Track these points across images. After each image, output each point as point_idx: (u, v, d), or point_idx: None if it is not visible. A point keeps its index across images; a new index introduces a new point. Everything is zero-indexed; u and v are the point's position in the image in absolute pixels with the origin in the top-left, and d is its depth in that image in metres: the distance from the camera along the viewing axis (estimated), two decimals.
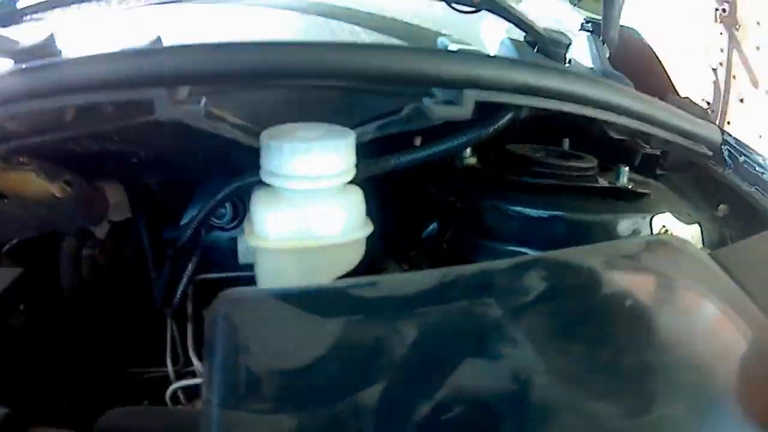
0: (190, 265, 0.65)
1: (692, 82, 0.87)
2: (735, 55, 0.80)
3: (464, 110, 0.48)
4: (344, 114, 0.59)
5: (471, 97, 0.47)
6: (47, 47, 0.64)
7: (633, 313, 0.36)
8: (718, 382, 0.30)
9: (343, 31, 0.64)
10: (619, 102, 0.58)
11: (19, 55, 0.63)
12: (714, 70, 0.83)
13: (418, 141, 0.68)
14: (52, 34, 0.65)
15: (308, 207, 0.51)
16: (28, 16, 0.76)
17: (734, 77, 0.83)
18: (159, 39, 0.64)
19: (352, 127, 0.57)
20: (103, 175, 0.74)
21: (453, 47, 0.69)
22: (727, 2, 0.84)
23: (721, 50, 0.81)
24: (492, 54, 0.67)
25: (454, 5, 0.61)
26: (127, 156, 0.66)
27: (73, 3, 0.71)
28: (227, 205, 0.77)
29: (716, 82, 0.83)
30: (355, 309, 0.32)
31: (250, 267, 0.64)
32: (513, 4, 0.68)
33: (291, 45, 0.47)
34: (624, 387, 0.30)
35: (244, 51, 0.42)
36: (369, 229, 0.54)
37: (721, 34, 0.78)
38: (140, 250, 0.83)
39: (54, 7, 0.71)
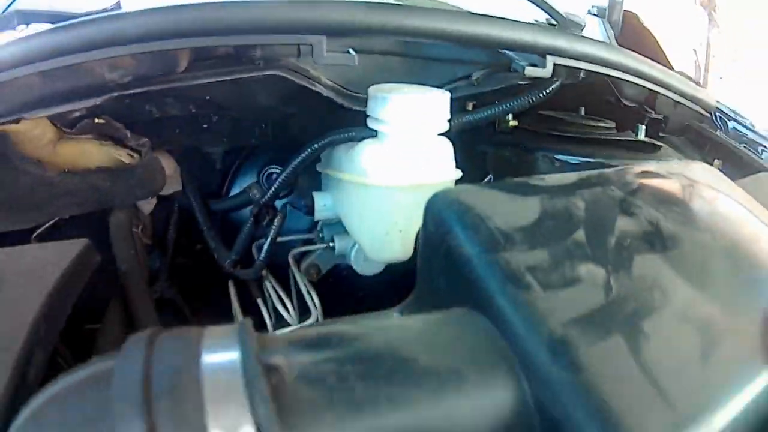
0: (275, 223, 0.76)
1: (675, 62, 1.16)
2: (714, 35, 1.09)
3: (546, 71, 0.66)
4: (420, 79, 0.77)
5: (551, 60, 0.68)
6: (114, 11, 0.73)
7: (698, 197, 0.60)
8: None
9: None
10: (649, 71, 0.80)
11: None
12: (694, 50, 1.11)
13: (470, 106, 0.88)
14: (118, 1, 0.73)
15: (414, 150, 0.63)
16: None
17: (713, 56, 1.12)
18: None
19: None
20: (166, 141, 0.82)
21: None
22: None
23: (701, 31, 1.10)
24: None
25: None
26: (201, 122, 0.76)
27: None
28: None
29: (697, 62, 1.13)
30: (541, 191, 0.51)
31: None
32: None
33: (428, 10, 0.61)
34: (702, 228, 0.53)
35: (394, 11, 0.57)
36: (459, 173, 0.68)
37: (700, 15, 1.06)
38: (183, 228, 0.91)
39: None
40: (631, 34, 0.98)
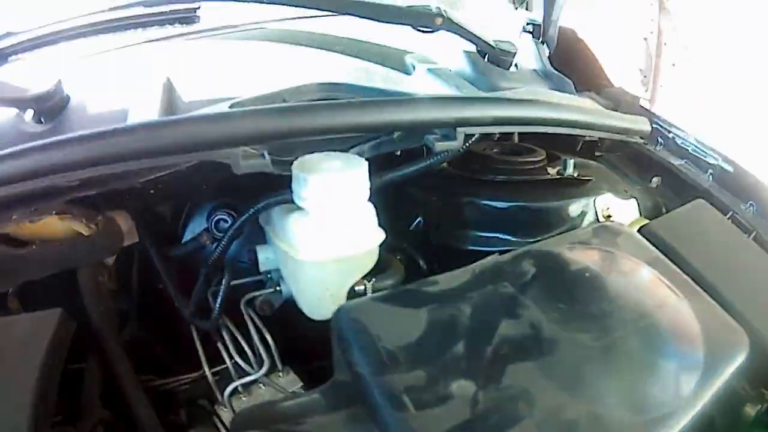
0: (224, 280, 0.84)
1: (627, 53, 1.08)
2: (665, 23, 1.06)
3: (457, 143, 0.67)
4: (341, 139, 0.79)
5: (462, 132, 0.71)
6: (56, 93, 0.76)
7: (593, 278, 0.65)
8: (649, 318, 0.60)
9: (330, 60, 0.82)
10: (567, 117, 0.77)
11: (29, 102, 0.74)
12: (645, 39, 1.09)
13: (398, 151, 0.90)
14: (60, 80, 0.75)
15: (338, 224, 0.68)
16: (14, 56, 0.84)
17: (665, 44, 1.09)
18: (169, 81, 0.79)
19: (348, 149, 0.74)
20: (116, 207, 0.88)
21: (420, 66, 0.89)
22: None
23: (652, 20, 1.07)
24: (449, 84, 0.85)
25: (419, 28, 0.83)
26: (147, 190, 0.81)
27: (60, 41, 0.82)
28: (230, 220, 0.95)
29: (648, 50, 1.10)
30: (429, 300, 0.58)
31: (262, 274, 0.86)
32: (450, 8, 0.91)
33: (353, 105, 0.63)
34: (593, 324, 0.59)
35: (313, 113, 0.56)
36: (383, 235, 0.72)
37: (651, 5, 1.03)
38: (145, 270, 0.99)
39: (41, 46, 0.81)
40: (566, 49, 0.98)
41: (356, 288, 0.75)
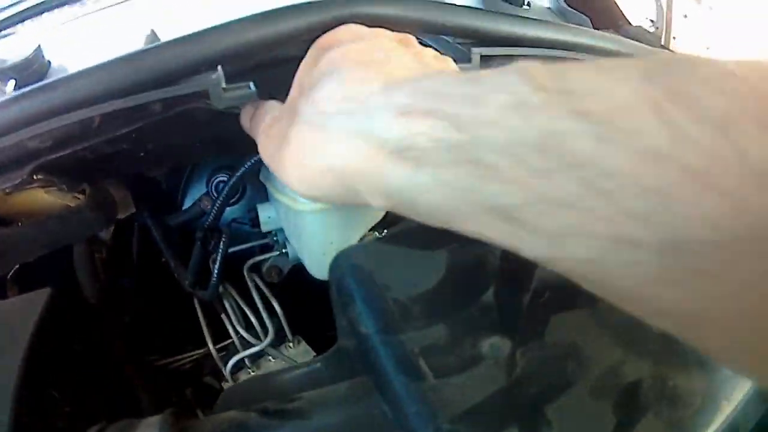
0: (221, 243, 0.77)
1: (637, 2, 1.05)
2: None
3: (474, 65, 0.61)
4: None
5: (477, 53, 0.60)
6: (36, 60, 0.70)
7: None
8: None
9: None
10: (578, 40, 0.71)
11: (7, 72, 0.69)
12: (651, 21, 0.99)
13: None
14: (39, 46, 0.70)
15: None
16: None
17: None
18: (153, 32, 0.71)
19: None
20: (106, 174, 0.82)
21: None
22: None
23: None
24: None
25: None
26: (136, 152, 0.74)
27: (44, 11, 0.76)
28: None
29: (659, 2, 1.01)
30: (448, 239, 0.48)
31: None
32: None
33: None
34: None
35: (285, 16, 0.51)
36: None
37: None
38: (145, 244, 0.93)
39: (24, 20, 0.75)
40: None
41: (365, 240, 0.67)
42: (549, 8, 0.84)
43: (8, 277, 0.77)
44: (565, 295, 0.43)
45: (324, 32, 0.42)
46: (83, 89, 0.47)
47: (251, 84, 0.47)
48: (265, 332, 0.76)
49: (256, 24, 0.48)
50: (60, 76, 0.49)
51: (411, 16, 0.48)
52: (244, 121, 0.45)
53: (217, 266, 0.72)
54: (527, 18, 0.62)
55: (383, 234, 0.67)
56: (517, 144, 0.20)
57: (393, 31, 0.39)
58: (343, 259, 0.46)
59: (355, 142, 0.26)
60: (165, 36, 0.69)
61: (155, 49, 0.47)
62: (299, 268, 0.82)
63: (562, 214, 0.19)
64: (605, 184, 0.18)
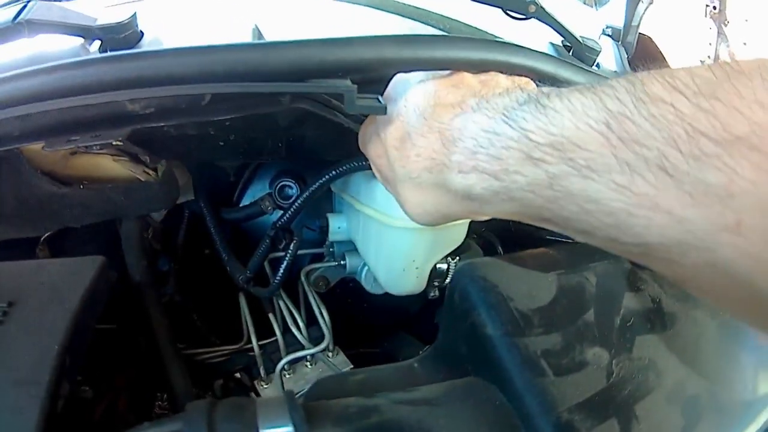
0: (292, 245, 0.83)
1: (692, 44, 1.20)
2: (722, 49, 1.15)
3: None
4: None
5: None
6: (130, 27, 0.74)
7: None
8: None
9: (420, 32, 0.83)
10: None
11: (96, 31, 0.71)
12: (702, 62, 1.16)
13: None
14: (135, 14, 0.74)
15: None
16: None
17: None
18: (258, 28, 0.79)
19: None
20: (181, 156, 0.86)
21: None
22: None
23: (709, 44, 1.15)
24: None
25: (509, 12, 0.86)
26: (218, 140, 0.80)
27: None
28: (295, 186, 0.96)
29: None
30: (555, 265, 0.60)
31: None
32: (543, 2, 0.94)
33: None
34: (699, 303, 0.64)
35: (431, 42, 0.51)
36: None
37: (710, 29, 1.10)
38: (193, 233, 0.97)
39: None
40: (644, 56, 1.03)
41: (438, 266, 0.76)
42: (615, 72, 0.98)
43: (42, 238, 0.78)
44: (646, 321, 0.56)
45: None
46: (220, 63, 0.48)
47: (380, 97, 0.51)
48: (315, 338, 0.83)
49: (412, 44, 0.52)
50: (183, 45, 0.50)
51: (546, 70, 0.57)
52: (360, 138, 0.54)
53: (284, 267, 0.79)
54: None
55: (456, 263, 0.76)
56: (533, 184, 0.32)
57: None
58: (467, 271, 0.56)
59: (441, 194, 0.41)
60: (268, 33, 0.75)
61: (299, 43, 0.50)
62: (343, 283, 0.91)
63: (572, 226, 0.31)
64: (590, 207, 0.29)
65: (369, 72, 0.52)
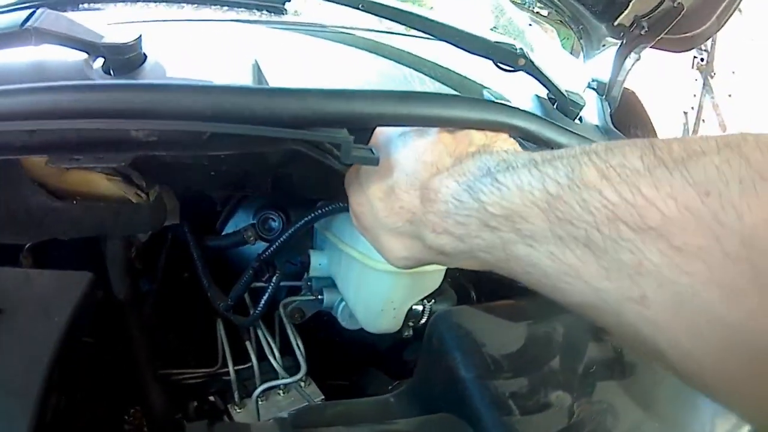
0: (275, 278, 0.88)
1: (663, 124, 1.30)
2: (707, 100, 1.22)
3: None
4: None
5: None
6: (134, 49, 0.78)
7: None
8: None
9: (414, 79, 0.91)
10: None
11: (101, 49, 0.72)
12: (685, 113, 1.25)
13: None
14: (140, 36, 0.77)
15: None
16: (86, 4, 0.87)
17: (704, 121, 1.25)
18: (257, 63, 0.84)
19: None
20: (171, 181, 0.90)
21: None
22: (706, 51, 1.24)
23: (694, 95, 1.23)
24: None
25: (499, 64, 0.94)
26: (209, 170, 0.85)
27: (139, 0, 0.86)
28: (278, 219, 1.00)
29: (686, 125, 1.26)
30: (524, 316, 0.67)
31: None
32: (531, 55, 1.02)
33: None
34: (647, 392, 0.69)
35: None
36: None
37: (696, 80, 1.19)
38: (174, 256, 1.01)
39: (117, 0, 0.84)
40: (627, 110, 1.12)
41: (414, 307, 0.82)
42: (597, 126, 1.06)
43: (25, 246, 0.81)
44: (608, 368, 0.63)
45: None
46: (227, 105, 0.52)
47: (373, 149, 0.55)
48: (285, 366, 0.87)
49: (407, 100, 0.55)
50: (194, 82, 0.54)
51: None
52: (347, 180, 0.59)
53: (265, 298, 0.84)
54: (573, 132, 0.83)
55: (431, 306, 0.83)
56: (490, 247, 0.39)
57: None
58: (445, 319, 0.63)
59: (416, 244, 0.49)
60: (267, 68, 0.80)
61: (302, 92, 0.54)
62: (317, 316, 0.96)
63: (520, 280, 0.38)
64: (530, 269, 0.36)
65: (367, 125, 0.56)
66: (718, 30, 1.00)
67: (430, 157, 0.49)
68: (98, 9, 0.87)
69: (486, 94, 1.02)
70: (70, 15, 0.82)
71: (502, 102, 0.73)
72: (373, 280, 0.78)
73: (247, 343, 0.90)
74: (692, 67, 1.27)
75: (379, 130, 0.57)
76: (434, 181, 0.46)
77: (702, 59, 1.25)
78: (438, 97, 0.58)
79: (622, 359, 0.66)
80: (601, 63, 1.11)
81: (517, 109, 0.65)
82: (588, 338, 0.67)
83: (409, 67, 0.91)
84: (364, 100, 0.55)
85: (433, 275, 0.79)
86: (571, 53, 1.25)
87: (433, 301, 0.82)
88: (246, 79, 0.76)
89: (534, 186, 0.35)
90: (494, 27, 1.24)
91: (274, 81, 0.79)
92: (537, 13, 1.15)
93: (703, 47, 1.21)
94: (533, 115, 0.70)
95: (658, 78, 1.25)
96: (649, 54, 1.09)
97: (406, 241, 0.49)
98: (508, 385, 0.58)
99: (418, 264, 0.51)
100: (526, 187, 0.36)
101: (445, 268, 0.80)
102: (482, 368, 0.59)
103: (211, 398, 0.91)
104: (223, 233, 0.97)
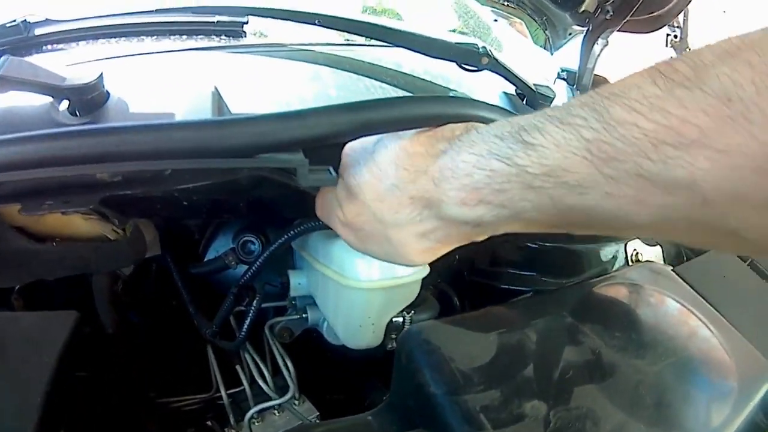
0: (255, 302, 0.87)
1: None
2: None
3: None
4: None
5: None
6: (96, 88, 0.78)
7: (641, 312, 0.76)
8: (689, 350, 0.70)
9: (375, 90, 0.89)
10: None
11: (64, 91, 0.75)
12: None
13: None
14: (101, 75, 0.78)
15: None
16: (49, 46, 0.87)
17: None
18: (217, 90, 0.83)
19: None
20: (145, 214, 0.90)
21: None
22: (679, 28, 1.20)
23: None
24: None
25: (463, 65, 0.91)
26: (181, 200, 0.85)
27: (100, 37, 0.86)
28: (257, 242, 1.00)
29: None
30: (495, 326, 0.65)
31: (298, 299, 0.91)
32: (496, 53, 1.00)
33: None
34: (646, 351, 0.68)
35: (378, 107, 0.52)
36: (428, 269, 0.78)
37: (671, 58, 1.15)
38: (160, 286, 1.01)
39: (80, 39, 0.83)
40: None
41: (394, 319, 0.81)
42: None
43: (15, 288, 0.82)
44: (586, 372, 0.61)
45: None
46: (178, 142, 0.51)
47: (331, 169, 0.55)
48: (280, 388, 0.87)
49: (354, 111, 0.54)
50: (150, 121, 0.52)
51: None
52: (318, 206, 0.57)
53: (247, 323, 0.83)
54: None
55: (411, 317, 0.81)
56: (539, 206, 0.39)
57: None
58: (413, 335, 0.61)
59: (442, 225, 0.46)
60: (227, 96, 0.80)
61: (252, 120, 0.53)
62: (308, 332, 0.95)
63: (574, 226, 0.39)
64: (588, 212, 0.36)
65: (324, 142, 0.54)
66: (687, 4, 0.97)
67: (420, 148, 0.48)
68: (60, 50, 0.86)
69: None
70: (34, 57, 0.83)
71: (459, 97, 0.71)
72: (349, 297, 0.77)
73: (238, 368, 0.89)
74: (666, 45, 1.23)
75: (349, 147, 0.55)
76: (441, 162, 0.45)
77: (675, 36, 1.21)
78: (391, 102, 0.56)
79: (600, 361, 0.64)
80: (570, 53, 1.09)
81: (487, 103, 0.62)
82: (564, 342, 0.64)
83: (371, 77, 0.89)
84: (317, 118, 0.53)
85: (409, 287, 0.78)
86: (544, 46, 1.22)
87: (413, 312, 0.81)
88: (206, 108, 0.76)
89: (568, 138, 0.36)
90: (462, 28, 1.21)
91: (235, 107, 0.79)
92: (503, 4, 1.13)
93: (675, 24, 1.16)
94: (499, 107, 0.67)
95: (632, 61, 1.21)
96: (618, 37, 1.06)
97: (426, 227, 0.47)
98: (479, 399, 0.56)
99: (444, 249, 0.49)
100: (562, 141, 0.36)
101: (420, 278, 0.78)
102: (452, 383, 0.57)
103: (208, 423, 0.91)
104: (205, 259, 0.97)
